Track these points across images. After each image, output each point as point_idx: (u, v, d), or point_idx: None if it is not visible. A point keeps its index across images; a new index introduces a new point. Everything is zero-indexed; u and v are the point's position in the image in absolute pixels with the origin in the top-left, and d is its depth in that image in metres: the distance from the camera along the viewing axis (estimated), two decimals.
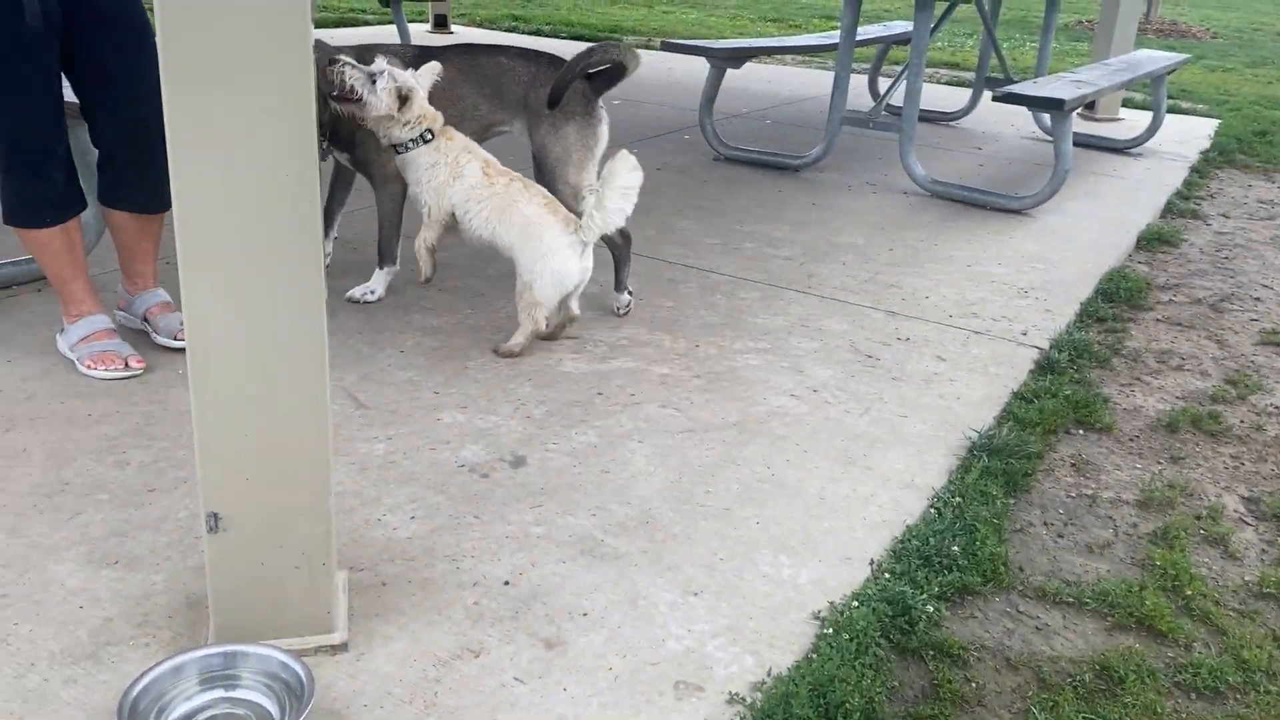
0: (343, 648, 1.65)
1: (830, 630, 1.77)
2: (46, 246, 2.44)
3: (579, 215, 2.78)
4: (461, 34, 9.34)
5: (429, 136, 2.80)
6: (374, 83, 2.74)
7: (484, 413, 2.46)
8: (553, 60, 3.12)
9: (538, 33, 9.85)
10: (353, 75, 2.72)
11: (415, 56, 3.03)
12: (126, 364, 2.49)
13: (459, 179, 2.80)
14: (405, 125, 2.79)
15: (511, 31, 9.89)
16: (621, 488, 2.19)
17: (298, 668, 1.48)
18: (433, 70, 2.85)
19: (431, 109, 2.82)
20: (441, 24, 9.32)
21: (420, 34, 9.08)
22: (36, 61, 2.23)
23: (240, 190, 1.40)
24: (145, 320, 2.66)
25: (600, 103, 3.10)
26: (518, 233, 2.76)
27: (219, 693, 1.47)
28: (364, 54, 2.94)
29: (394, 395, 2.51)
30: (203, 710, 1.45)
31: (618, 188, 2.70)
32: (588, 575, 1.90)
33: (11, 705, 1.50)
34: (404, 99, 2.75)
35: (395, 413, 2.43)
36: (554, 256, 2.74)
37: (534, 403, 2.53)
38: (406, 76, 2.78)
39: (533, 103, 3.04)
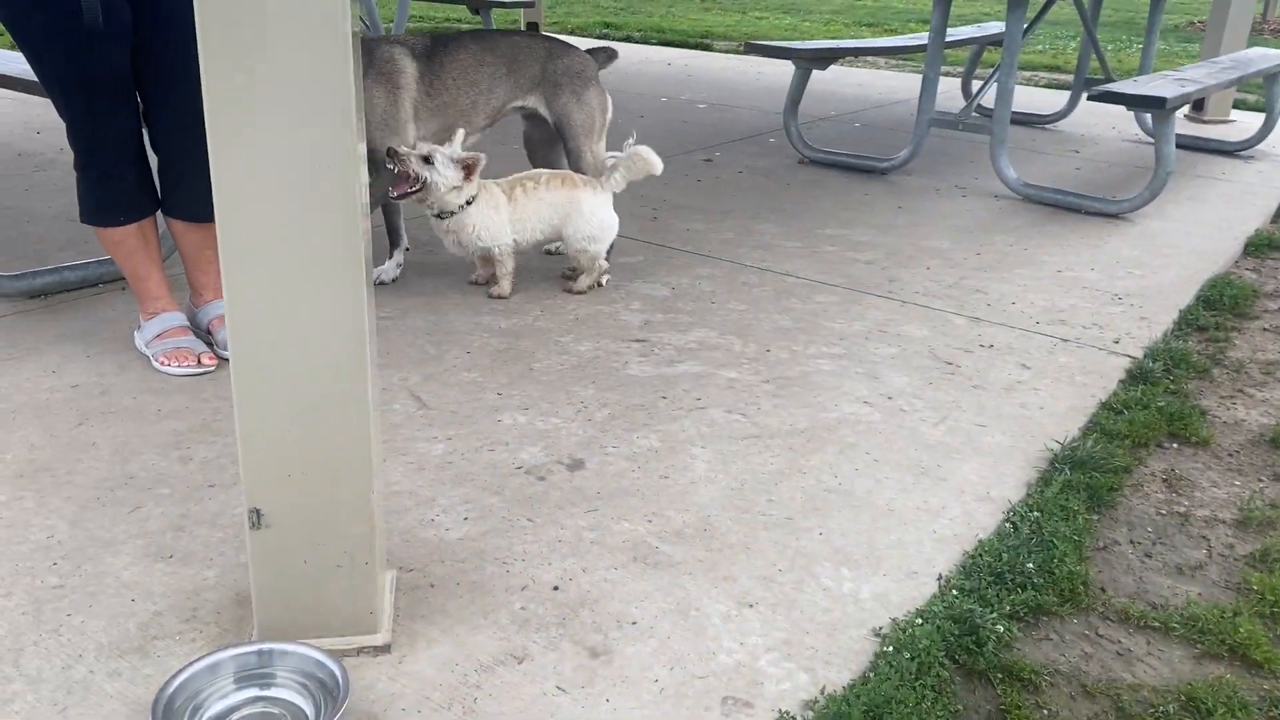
0: (385, 649, 1.63)
1: (890, 648, 1.68)
2: (121, 245, 2.49)
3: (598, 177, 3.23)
4: None
5: (472, 199, 3.02)
6: (430, 163, 2.92)
7: (545, 415, 2.43)
8: (563, 41, 3.34)
9: (628, 39, 9.87)
10: (413, 163, 2.90)
11: (427, 47, 3.08)
12: (199, 361, 2.53)
13: (498, 210, 3.07)
14: (460, 191, 2.98)
15: (603, 38, 9.92)
16: (680, 494, 2.13)
17: (334, 667, 1.46)
18: (460, 138, 3.05)
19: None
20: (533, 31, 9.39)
21: None
22: (103, 61, 2.27)
23: (281, 187, 1.39)
24: (208, 333, 2.68)
25: None
26: (560, 217, 3.12)
27: (254, 691, 1.46)
28: (370, 46, 3.03)
29: (457, 396, 2.50)
30: (238, 709, 1.44)
31: (642, 164, 3.13)
32: (639, 583, 1.84)
33: (57, 695, 1.51)
34: (469, 167, 2.96)
35: (456, 413, 2.41)
36: (595, 216, 3.14)
37: (596, 405, 2.49)
38: (457, 150, 2.98)
39: (550, 74, 3.23)
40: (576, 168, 3.31)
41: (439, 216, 3.04)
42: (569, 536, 1.96)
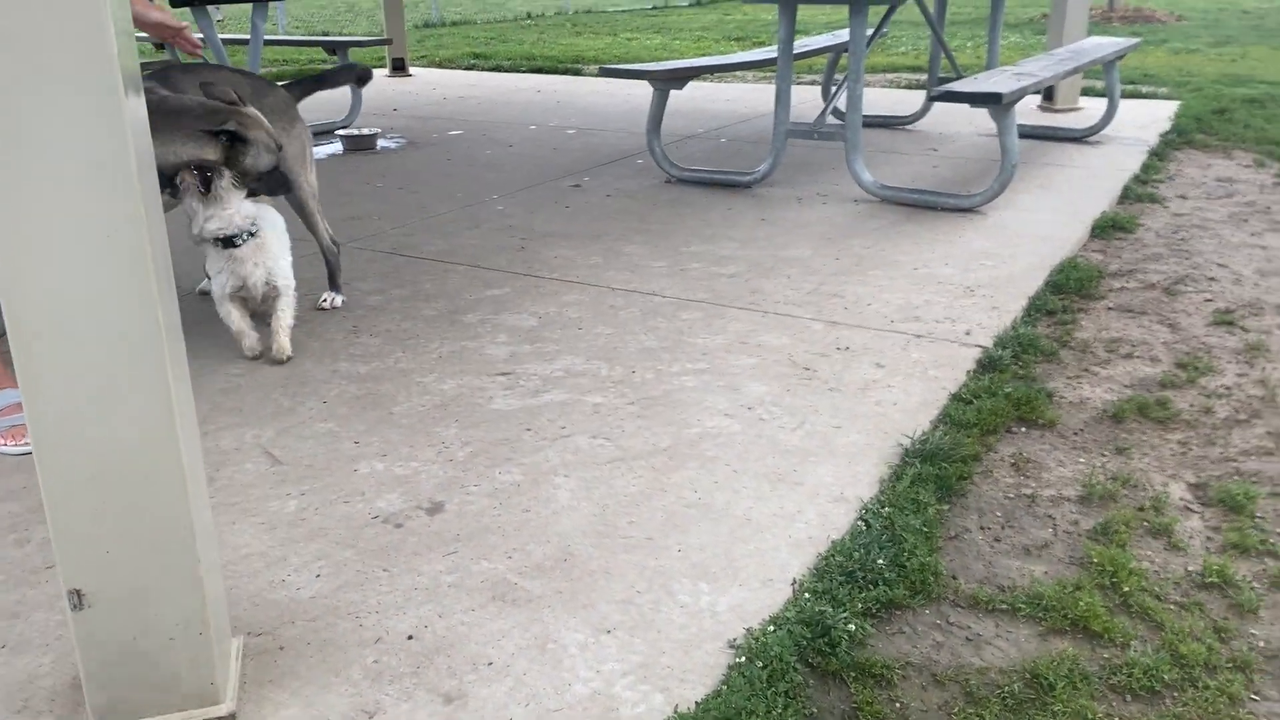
0: (230, 719, 1.59)
1: (744, 659, 1.70)
2: None
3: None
4: (421, 76, 9.36)
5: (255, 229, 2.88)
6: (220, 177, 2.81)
7: (404, 459, 2.40)
8: (247, 73, 3.37)
9: (498, 69, 9.87)
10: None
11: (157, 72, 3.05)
12: None
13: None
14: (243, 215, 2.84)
15: (471, 69, 9.91)
16: (542, 526, 2.13)
17: None
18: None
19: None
20: (400, 67, 9.34)
21: (378, 78, 9.10)
22: None
23: (59, 250, 1.35)
24: None
25: None
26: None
27: None
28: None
29: (312, 448, 2.45)
30: None
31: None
32: (497, 622, 1.83)
33: None
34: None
35: (311, 467, 2.37)
36: None
37: (458, 444, 2.47)
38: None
39: (264, 111, 3.21)
40: (297, 198, 3.29)
41: (229, 244, 2.83)
42: (426, 583, 1.94)
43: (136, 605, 1.51)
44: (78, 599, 1.48)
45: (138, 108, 1.41)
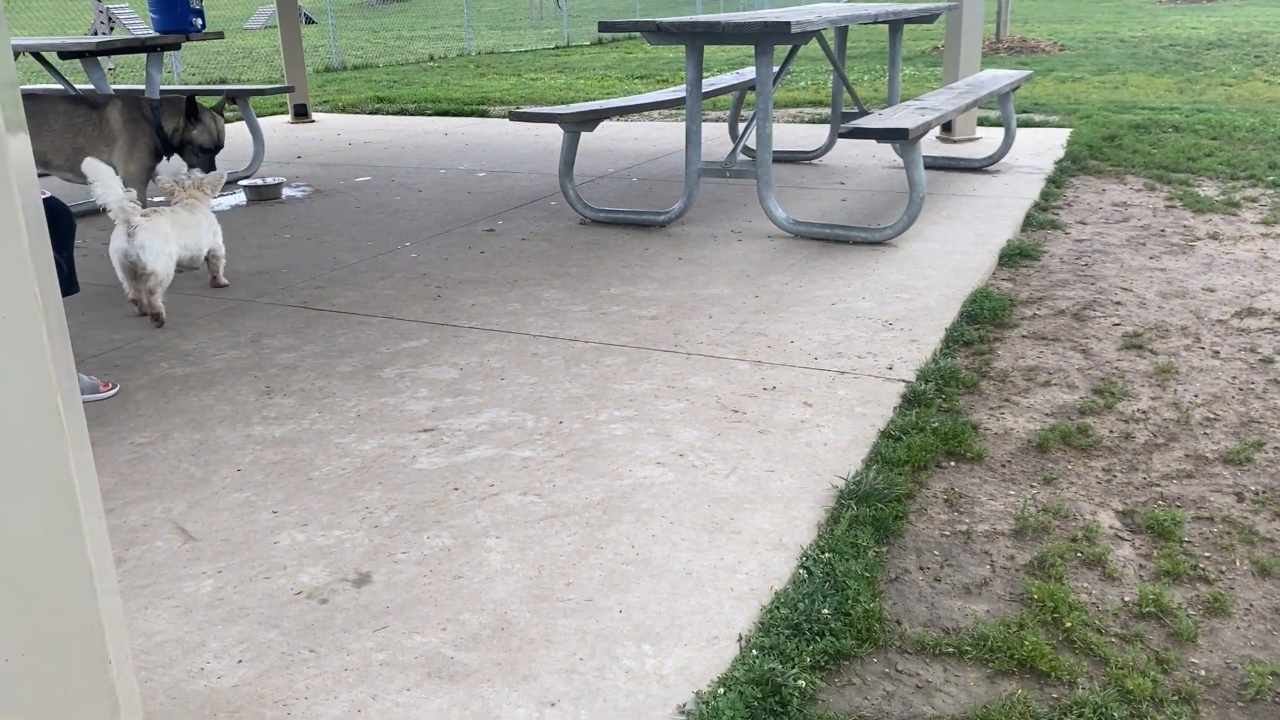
0: None
1: None
2: None
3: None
4: (325, 122, 9.21)
5: None
6: None
7: (326, 528, 2.30)
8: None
9: (403, 112, 9.76)
10: None
11: None
12: None
13: None
14: None
15: (376, 113, 9.78)
16: (475, 593, 2.05)
17: None
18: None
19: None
20: (302, 113, 9.17)
21: (280, 125, 8.92)
22: None
23: None
24: None
25: None
26: None
27: None
28: None
29: (227, 521, 2.33)
30: None
31: None
32: (434, 701, 1.74)
33: None
34: None
35: (228, 541, 2.25)
36: None
37: (383, 509, 2.38)
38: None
39: None
40: None
41: None
42: (356, 662, 1.85)
43: (42, 716, 1.39)
44: None
45: (28, 181, 1.31)
